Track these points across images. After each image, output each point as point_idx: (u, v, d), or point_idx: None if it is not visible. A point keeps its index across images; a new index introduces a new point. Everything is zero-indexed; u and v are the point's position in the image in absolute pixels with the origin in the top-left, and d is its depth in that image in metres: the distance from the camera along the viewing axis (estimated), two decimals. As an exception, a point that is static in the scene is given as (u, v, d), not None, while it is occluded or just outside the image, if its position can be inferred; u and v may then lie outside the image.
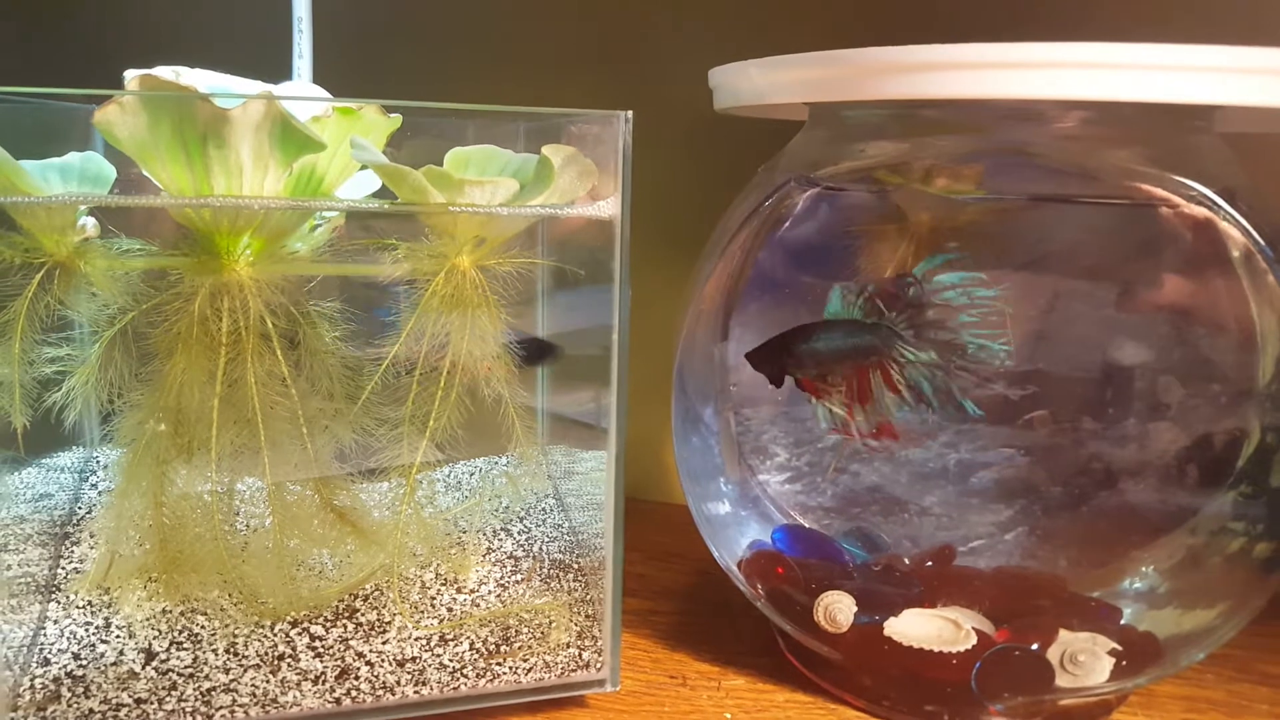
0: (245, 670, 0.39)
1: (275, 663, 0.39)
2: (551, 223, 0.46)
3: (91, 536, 0.45)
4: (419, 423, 0.40)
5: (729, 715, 0.44)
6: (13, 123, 0.34)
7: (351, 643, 0.40)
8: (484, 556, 0.47)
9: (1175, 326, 0.40)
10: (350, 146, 0.37)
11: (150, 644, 0.39)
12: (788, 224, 0.44)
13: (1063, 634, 0.41)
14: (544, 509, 0.52)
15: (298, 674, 0.39)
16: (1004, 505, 0.43)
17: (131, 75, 0.33)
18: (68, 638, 0.39)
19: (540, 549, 0.48)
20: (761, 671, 0.47)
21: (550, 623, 0.43)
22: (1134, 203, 0.39)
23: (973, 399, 0.40)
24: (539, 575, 0.46)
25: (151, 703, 0.37)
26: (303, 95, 0.42)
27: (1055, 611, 0.42)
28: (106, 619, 0.40)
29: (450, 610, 0.43)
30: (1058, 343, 0.40)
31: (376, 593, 0.43)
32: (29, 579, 0.42)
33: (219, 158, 0.33)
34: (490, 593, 0.44)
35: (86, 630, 0.40)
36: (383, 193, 0.39)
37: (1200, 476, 0.40)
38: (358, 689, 0.39)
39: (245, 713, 0.38)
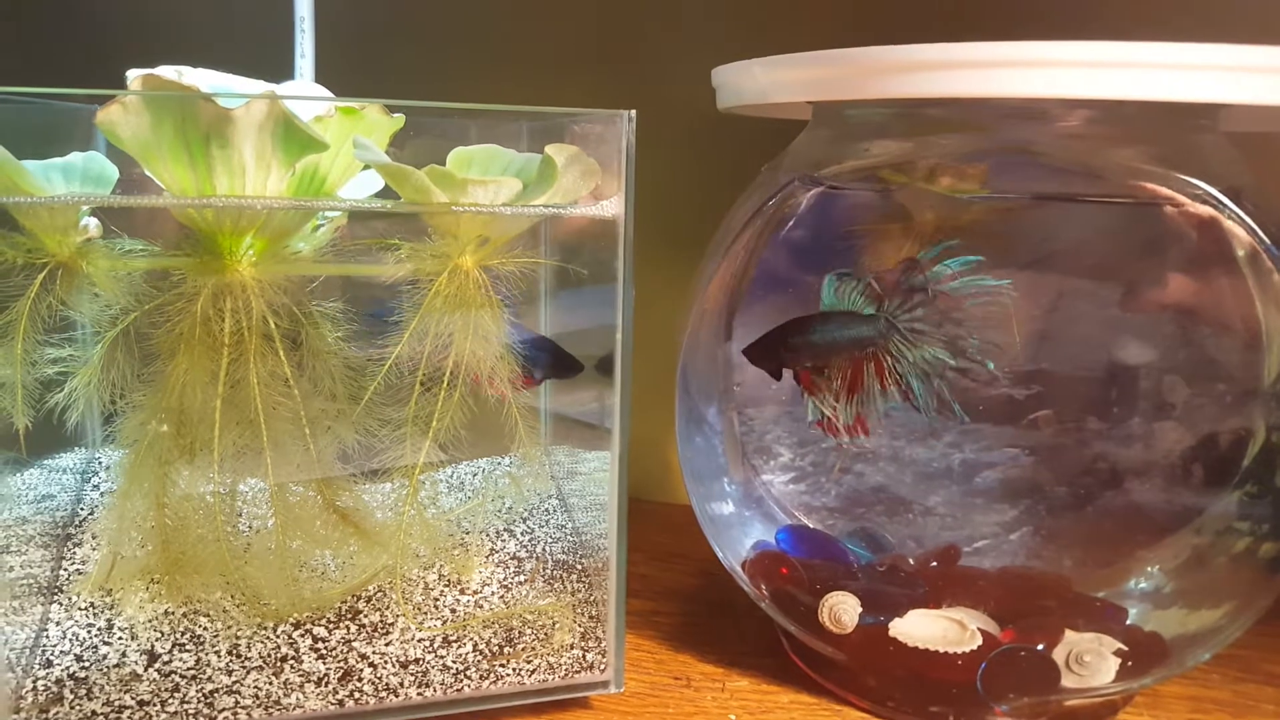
0: (248, 672, 0.39)
1: (278, 664, 0.39)
2: (554, 222, 0.46)
3: (94, 538, 0.45)
4: (422, 423, 0.40)
5: (733, 717, 0.43)
6: (15, 123, 0.34)
7: (355, 644, 0.40)
8: (487, 558, 0.47)
9: (1180, 326, 0.40)
10: (353, 146, 0.36)
11: (153, 646, 0.39)
12: (791, 223, 0.44)
13: (1068, 634, 0.41)
14: (547, 510, 0.52)
15: (301, 676, 0.39)
16: (1009, 505, 0.43)
17: (134, 75, 0.33)
18: (70, 639, 0.39)
19: (543, 550, 0.48)
20: (766, 673, 0.47)
21: (554, 624, 0.43)
22: (1139, 202, 0.38)
23: (976, 398, 0.40)
24: (542, 576, 0.46)
25: (154, 704, 0.37)
26: (306, 95, 0.41)
27: (1061, 612, 0.42)
28: (109, 621, 0.40)
29: (454, 612, 0.43)
30: (1062, 342, 0.40)
31: (379, 594, 0.43)
32: (31, 580, 0.41)
33: (222, 158, 0.33)
34: (494, 594, 0.44)
35: (89, 632, 0.39)
36: (386, 192, 0.39)
37: (1205, 476, 0.40)
38: (361, 691, 0.39)
39: (248, 715, 0.38)
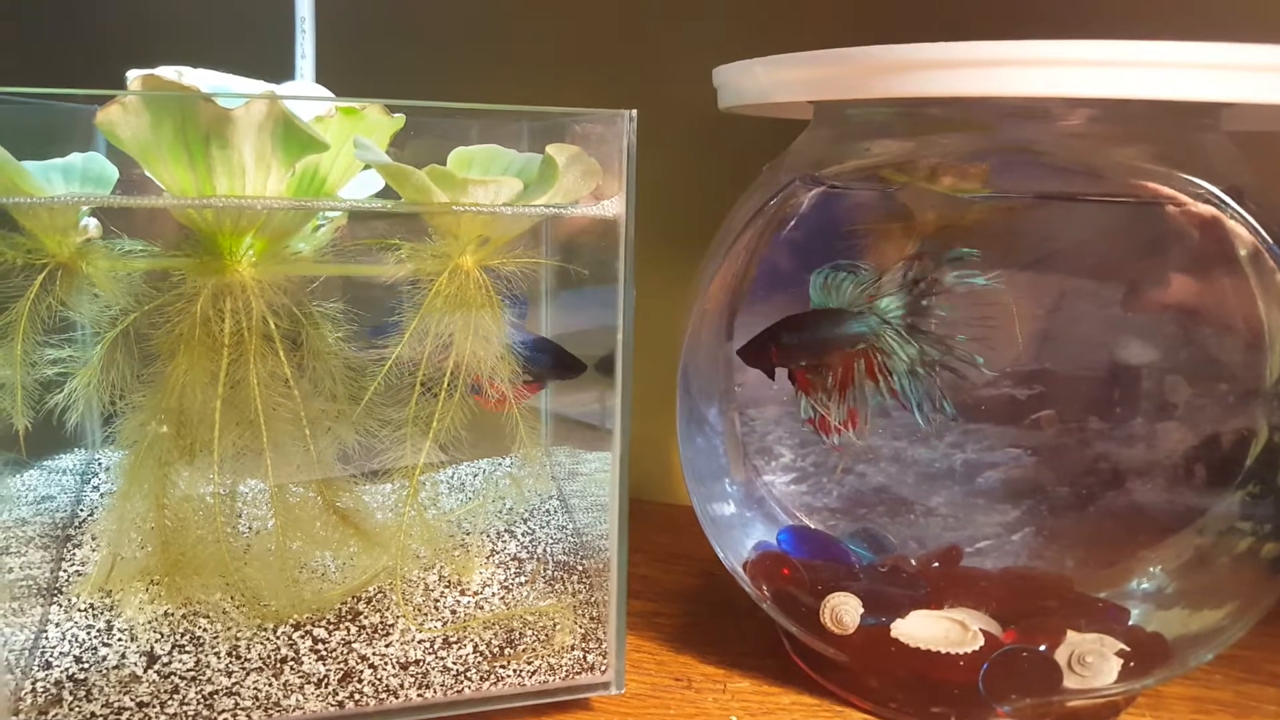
0: (248, 673, 0.38)
1: (278, 666, 0.39)
2: (555, 222, 0.46)
3: (93, 539, 0.45)
4: (422, 424, 0.40)
5: (734, 718, 0.43)
6: (14, 123, 0.34)
7: (355, 646, 0.40)
8: (488, 559, 0.47)
9: (1182, 325, 0.40)
10: (353, 146, 0.36)
11: (152, 647, 0.39)
12: (792, 223, 0.44)
13: (1070, 635, 0.41)
14: (548, 510, 0.52)
15: (300, 677, 0.39)
16: (1011, 505, 0.43)
17: (134, 75, 0.33)
18: (69, 641, 0.39)
19: (544, 551, 0.48)
20: (767, 673, 0.47)
21: (554, 625, 0.43)
22: (1140, 201, 0.38)
23: (978, 398, 0.40)
24: (543, 577, 0.46)
25: (153, 706, 0.37)
26: (306, 95, 0.41)
27: (1063, 612, 0.42)
28: (108, 622, 0.40)
29: (454, 613, 0.43)
30: (1064, 342, 0.40)
31: (380, 595, 0.43)
32: (31, 582, 0.41)
33: (222, 158, 0.33)
34: (494, 595, 0.44)
35: (88, 633, 0.39)
36: (386, 192, 0.39)
37: (1208, 476, 0.40)
38: (361, 692, 0.39)
39: (248, 716, 0.38)
